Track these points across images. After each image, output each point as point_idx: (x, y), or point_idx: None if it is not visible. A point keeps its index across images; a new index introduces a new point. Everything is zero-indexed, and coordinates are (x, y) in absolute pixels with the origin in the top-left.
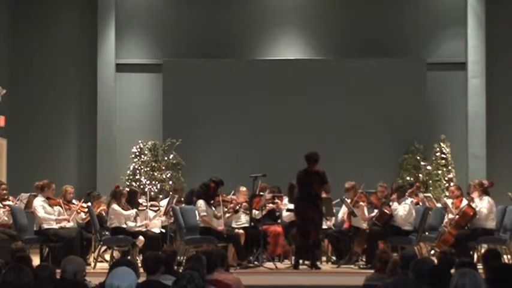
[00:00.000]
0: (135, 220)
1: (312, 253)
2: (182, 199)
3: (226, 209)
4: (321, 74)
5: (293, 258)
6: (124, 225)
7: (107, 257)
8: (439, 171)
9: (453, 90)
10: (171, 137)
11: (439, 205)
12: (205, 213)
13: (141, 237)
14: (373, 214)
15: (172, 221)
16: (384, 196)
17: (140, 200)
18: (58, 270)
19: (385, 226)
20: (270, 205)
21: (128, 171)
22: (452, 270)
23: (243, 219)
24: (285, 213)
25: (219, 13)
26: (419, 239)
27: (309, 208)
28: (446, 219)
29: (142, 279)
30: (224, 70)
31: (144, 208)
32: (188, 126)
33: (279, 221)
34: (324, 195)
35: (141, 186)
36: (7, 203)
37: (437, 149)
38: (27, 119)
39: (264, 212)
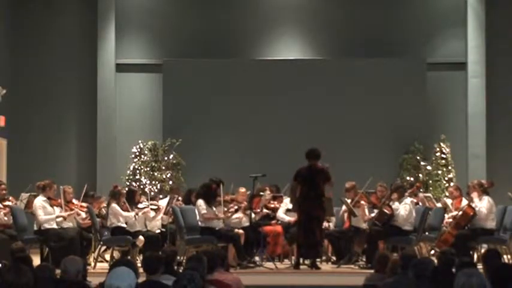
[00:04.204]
0: (134, 221)
1: (316, 251)
2: (180, 198)
3: (226, 209)
4: (321, 74)
5: (293, 258)
6: (124, 225)
7: (107, 257)
8: (439, 171)
9: (453, 90)
10: (171, 137)
11: (439, 205)
12: (205, 211)
13: (141, 237)
14: (373, 214)
15: (172, 220)
16: (383, 196)
17: (141, 205)
18: (58, 271)
19: (385, 226)
20: (271, 205)
21: (128, 171)
22: (453, 270)
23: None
24: (281, 215)
25: (219, 13)
26: (419, 239)
27: (314, 206)
28: (446, 219)
29: (142, 279)
30: (224, 70)
31: (144, 207)
32: (188, 126)
33: (279, 221)
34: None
35: (141, 186)
36: (7, 203)
37: (437, 149)
38: (27, 119)
39: (262, 212)
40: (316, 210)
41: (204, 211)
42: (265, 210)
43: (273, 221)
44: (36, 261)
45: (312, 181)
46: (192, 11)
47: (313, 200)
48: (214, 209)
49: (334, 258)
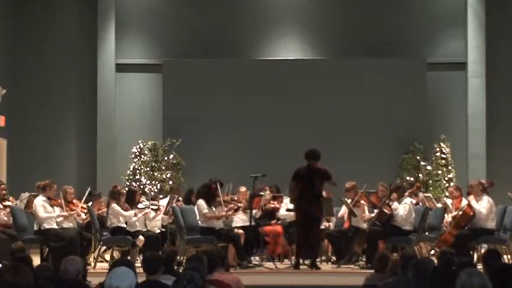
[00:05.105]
0: (136, 221)
1: (314, 251)
2: (180, 198)
3: (226, 209)
4: (321, 74)
5: (293, 258)
6: (124, 225)
7: (107, 257)
8: (439, 171)
9: (453, 90)
10: (171, 137)
11: (439, 205)
12: (207, 211)
13: (141, 237)
14: (373, 215)
15: (172, 220)
16: (384, 196)
17: (141, 205)
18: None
19: (385, 226)
20: (271, 205)
21: (128, 171)
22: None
23: (239, 221)
24: (283, 212)
25: (219, 13)
26: (419, 239)
27: (312, 206)
28: (446, 219)
29: (142, 279)
30: (224, 70)
31: (144, 207)
32: (188, 126)
33: (279, 221)
34: (325, 194)
35: (141, 186)
36: (7, 203)
37: (437, 149)
38: (27, 119)
39: (261, 212)
40: (314, 211)
41: (205, 210)
42: (269, 205)
43: (273, 221)
44: (36, 261)
45: (310, 181)
46: (192, 11)
47: (311, 200)
48: (214, 209)
49: (334, 258)
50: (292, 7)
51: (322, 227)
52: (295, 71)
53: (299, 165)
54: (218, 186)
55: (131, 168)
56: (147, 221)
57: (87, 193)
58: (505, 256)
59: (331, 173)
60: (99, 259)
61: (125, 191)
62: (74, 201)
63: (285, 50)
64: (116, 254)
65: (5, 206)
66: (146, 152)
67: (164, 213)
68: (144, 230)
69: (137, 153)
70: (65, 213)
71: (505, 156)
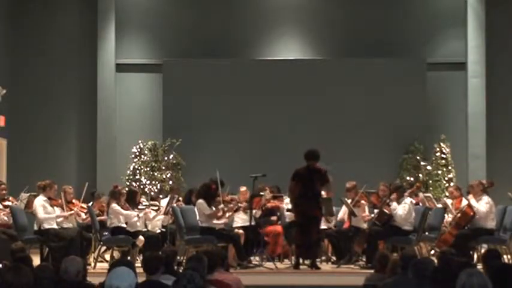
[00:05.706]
0: (137, 221)
1: (313, 251)
2: (180, 198)
3: (226, 209)
4: (321, 74)
5: (293, 258)
6: (124, 225)
7: (107, 257)
8: (439, 171)
9: (453, 90)
10: (171, 137)
11: (439, 205)
12: (209, 211)
13: (141, 237)
14: (373, 215)
15: (172, 220)
16: (385, 195)
17: (141, 205)
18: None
19: (385, 226)
20: (271, 204)
21: (128, 171)
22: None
23: (239, 220)
24: (285, 213)
25: (219, 13)
26: (419, 239)
27: (311, 206)
28: (446, 219)
29: (142, 279)
30: (224, 70)
31: (144, 208)
32: (188, 126)
33: (279, 221)
34: (324, 194)
35: (141, 186)
36: (7, 203)
37: (437, 149)
38: (27, 119)
39: (261, 212)
40: (314, 210)
41: (208, 211)
42: (269, 205)
43: (274, 217)
44: (36, 261)
45: (310, 181)
46: (192, 11)
47: (310, 199)
48: (213, 209)
49: (334, 258)
50: (292, 7)
51: (324, 226)
52: (295, 71)
53: (299, 165)
54: (219, 185)
55: (131, 168)
56: (147, 221)
57: (85, 188)
58: (505, 256)
59: (332, 176)
60: (99, 259)
61: (125, 191)
62: (74, 201)
63: (285, 50)
64: (116, 254)
65: (5, 206)
66: (146, 152)
67: (164, 213)
68: (144, 230)
69: (137, 153)
70: (65, 214)
71: (505, 156)
